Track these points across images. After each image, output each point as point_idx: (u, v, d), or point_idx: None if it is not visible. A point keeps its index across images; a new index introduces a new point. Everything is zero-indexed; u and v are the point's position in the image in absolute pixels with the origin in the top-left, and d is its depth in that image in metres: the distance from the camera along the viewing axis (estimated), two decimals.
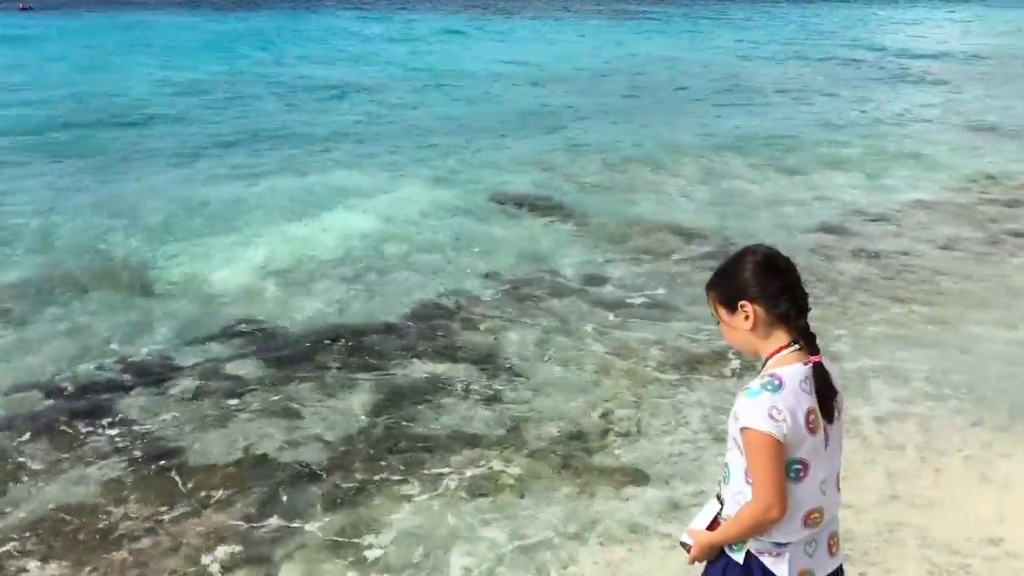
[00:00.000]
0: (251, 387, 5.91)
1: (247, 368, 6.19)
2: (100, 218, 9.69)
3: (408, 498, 4.63)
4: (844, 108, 16.69)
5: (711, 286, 2.52)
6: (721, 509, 2.48)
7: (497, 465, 4.90)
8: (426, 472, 4.87)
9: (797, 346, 2.38)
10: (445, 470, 4.88)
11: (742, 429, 2.32)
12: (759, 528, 2.36)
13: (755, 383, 2.35)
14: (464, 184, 10.94)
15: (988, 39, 29.09)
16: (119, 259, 8.42)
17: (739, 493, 2.40)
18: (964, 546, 4.12)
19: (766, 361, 2.41)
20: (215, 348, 6.53)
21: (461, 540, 4.27)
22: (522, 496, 4.60)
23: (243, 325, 6.93)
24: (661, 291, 7.53)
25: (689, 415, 5.38)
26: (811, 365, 2.35)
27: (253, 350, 6.48)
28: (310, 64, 22.03)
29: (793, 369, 2.35)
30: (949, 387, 5.74)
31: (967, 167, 12.03)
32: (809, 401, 2.33)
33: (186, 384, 5.97)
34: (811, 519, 2.40)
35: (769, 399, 2.29)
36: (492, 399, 5.68)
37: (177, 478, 4.86)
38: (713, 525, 2.49)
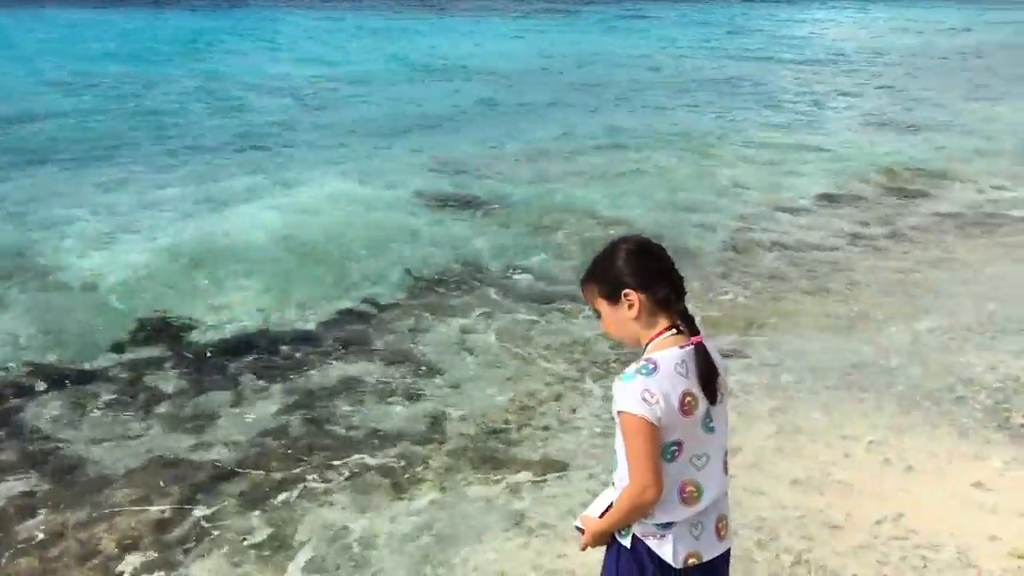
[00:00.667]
0: (163, 390, 5.79)
1: (158, 371, 6.06)
2: (3, 217, 9.35)
3: (327, 496, 4.59)
4: (756, 104, 17.09)
5: (589, 280, 2.53)
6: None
7: (417, 461, 4.89)
8: (345, 470, 4.84)
9: (675, 330, 2.43)
10: (364, 468, 4.85)
11: (618, 413, 2.36)
12: (638, 511, 2.40)
13: (631, 368, 2.38)
14: (385, 183, 10.86)
15: (890, 38, 30.15)
16: (25, 259, 8.13)
17: (624, 478, 2.44)
18: (872, 529, 4.27)
19: (646, 347, 2.45)
20: (125, 352, 6.38)
21: (381, 536, 4.25)
22: (443, 491, 4.60)
23: (153, 327, 6.78)
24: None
25: (609, 407, 5.44)
26: (689, 348, 2.40)
27: (164, 353, 6.35)
28: (226, 63, 21.58)
29: (669, 353, 2.39)
30: (854, 375, 5.93)
31: (871, 161, 12.43)
32: (685, 384, 2.37)
33: (96, 388, 5.81)
34: (687, 493, 2.43)
35: (643, 382, 2.33)
36: (411, 396, 5.66)
37: (88, 485, 4.73)
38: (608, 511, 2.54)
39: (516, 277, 7.85)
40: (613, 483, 2.55)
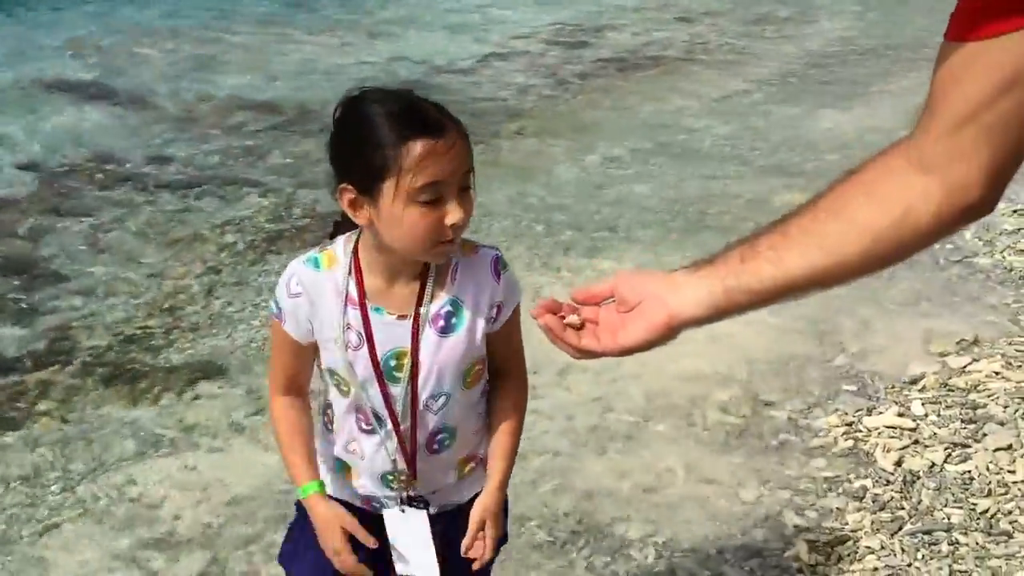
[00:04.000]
0: None
1: None
2: None
3: None
4: None
5: (463, 134, 1.81)
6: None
7: (34, 390, 4.01)
8: None
9: None
10: None
11: (515, 306, 1.88)
12: None
13: (491, 250, 1.92)
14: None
15: None
16: None
17: (475, 406, 1.91)
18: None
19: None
20: None
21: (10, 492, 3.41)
22: (64, 421, 3.78)
23: None
24: (235, 167, 6.79)
25: (268, 296, 4.83)
26: None
27: None
28: None
29: None
30: (533, 214, 5.90)
31: (534, 21, 12.34)
32: None
33: None
34: None
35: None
36: (29, 313, 4.67)
37: None
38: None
39: (158, 165, 6.82)
40: (413, 501, 1.89)
